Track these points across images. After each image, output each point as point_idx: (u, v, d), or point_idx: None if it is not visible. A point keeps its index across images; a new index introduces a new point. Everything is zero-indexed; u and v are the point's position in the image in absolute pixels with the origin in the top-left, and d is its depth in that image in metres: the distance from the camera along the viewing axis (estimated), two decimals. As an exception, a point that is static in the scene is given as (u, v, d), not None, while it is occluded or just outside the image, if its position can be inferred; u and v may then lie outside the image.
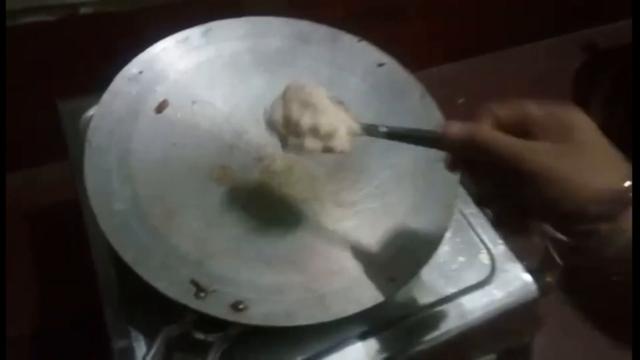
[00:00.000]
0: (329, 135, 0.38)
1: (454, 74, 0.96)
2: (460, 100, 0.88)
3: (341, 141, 0.38)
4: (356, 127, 0.39)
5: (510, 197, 0.33)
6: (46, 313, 0.60)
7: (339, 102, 0.40)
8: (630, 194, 0.29)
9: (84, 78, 0.51)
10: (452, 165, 0.36)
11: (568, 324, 0.65)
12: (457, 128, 0.33)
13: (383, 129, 0.38)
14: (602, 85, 1.02)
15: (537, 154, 0.30)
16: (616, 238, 0.29)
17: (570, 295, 0.62)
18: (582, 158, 0.30)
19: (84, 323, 0.44)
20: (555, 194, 0.30)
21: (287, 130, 0.38)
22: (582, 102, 0.99)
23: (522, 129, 0.32)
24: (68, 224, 0.46)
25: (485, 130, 0.32)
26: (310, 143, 0.38)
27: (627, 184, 0.29)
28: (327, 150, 0.38)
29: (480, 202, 0.37)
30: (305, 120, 0.37)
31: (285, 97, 0.39)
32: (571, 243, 0.31)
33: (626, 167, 0.30)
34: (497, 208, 0.36)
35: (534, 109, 0.32)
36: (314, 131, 0.37)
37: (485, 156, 0.32)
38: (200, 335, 0.38)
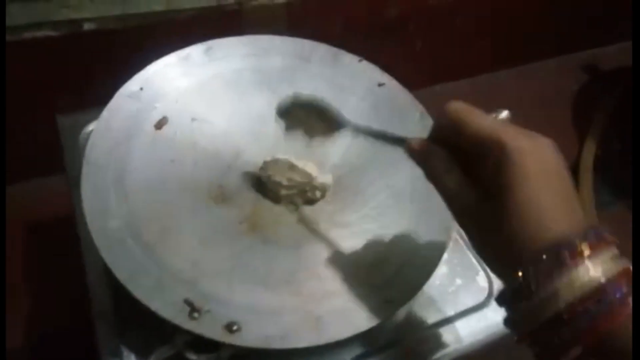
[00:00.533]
0: (310, 199, 0.46)
1: (454, 93, 0.96)
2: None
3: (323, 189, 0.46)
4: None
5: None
6: (42, 326, 0.60)
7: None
8: (544, 272, 0.26)
9: (86, 93, 0.51)
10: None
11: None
12: (411, 148, 0.34)
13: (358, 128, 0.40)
14: (603, 106, 1.02)
15: (466, 212, 0.30)
16: (549, 304, 0.27)
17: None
18: (504, 224, 0.28)
19: (78, 338, 0.44)
20: (477, 252, 0.31)
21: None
22: (583, 122, 0.99)
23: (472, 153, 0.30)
24: (66, 238, 0.46)
25: (431, 168, 0.33)
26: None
27: (538, 255, 0.27)
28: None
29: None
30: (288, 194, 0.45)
31: (266, 172, 0.45)
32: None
33: (552, 230, 0.27)
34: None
35: (484, 139, 0.29)
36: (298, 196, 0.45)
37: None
38: (192, 356, 0.37)
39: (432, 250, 0.43)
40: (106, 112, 0.46)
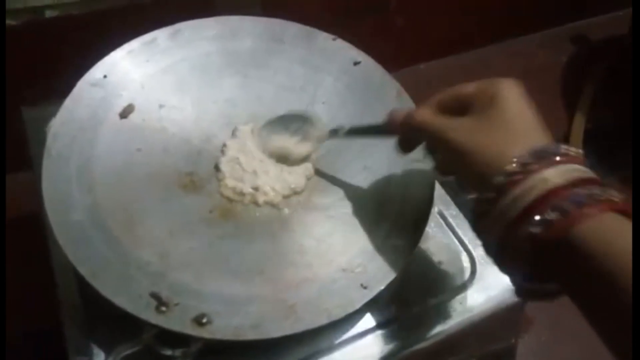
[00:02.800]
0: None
1: (440, 71, 0.94)
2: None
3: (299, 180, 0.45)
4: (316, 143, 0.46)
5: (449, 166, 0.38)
6: (24, 326, 0.58)
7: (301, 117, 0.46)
8: (532, 163, 0.30)
9: (52, 84, 0.49)
10: (399, 148, 0.41)
11: (555, 324, 0.64)
12: (398, 114, 0.39)
13: (343, 130, 0.44)
14: (593, 78, 1.00)
15: (454, 130, 0.34)
16: (518, 201, 0.30)
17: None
18: (491, 131, 0.33)
19: (51, 335, 0.42)
20: (465, 165, 0.33)
21: None
22: (573, 95, 0.98)
23: (460, 108, 0.35)
24: (41, 235, 0.45)
25: (419, 113, 0.37)
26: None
27: (526, 152, 0.31)
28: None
29: (438, 172, 0.41)
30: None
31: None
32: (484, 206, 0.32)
33: (535, 136, 0.32)
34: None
35: (466, 88, 0.36)
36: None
37: (421, 135, 0.38)
38: (163, 350, 0.36)
39: (408, 234, 0.42)
40: (68, 102, 0.45)
